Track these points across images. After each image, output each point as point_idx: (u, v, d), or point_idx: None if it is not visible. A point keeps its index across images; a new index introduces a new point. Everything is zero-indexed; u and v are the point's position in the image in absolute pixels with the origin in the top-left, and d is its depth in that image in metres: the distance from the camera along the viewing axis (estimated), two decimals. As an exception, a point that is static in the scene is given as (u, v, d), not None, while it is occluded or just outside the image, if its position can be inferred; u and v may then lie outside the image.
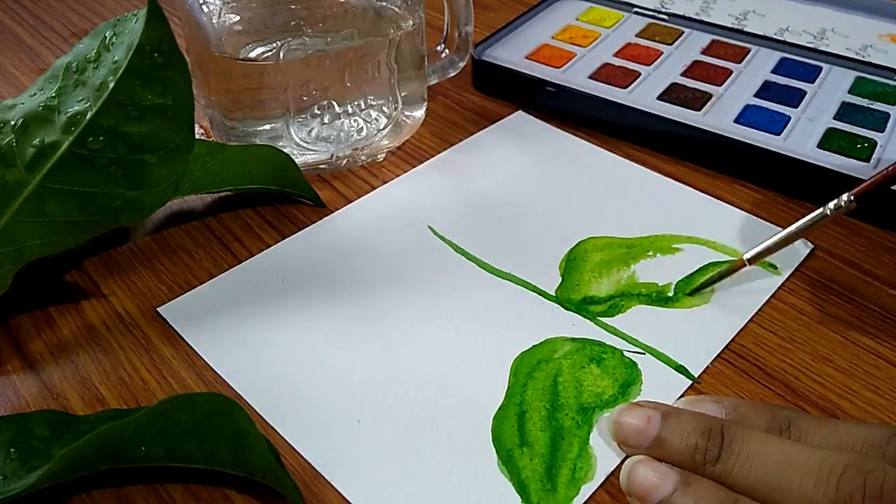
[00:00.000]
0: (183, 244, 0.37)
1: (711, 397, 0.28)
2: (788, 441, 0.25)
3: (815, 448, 0.24)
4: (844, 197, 0.28)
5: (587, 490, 0.26)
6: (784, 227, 0.34)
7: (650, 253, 0.36)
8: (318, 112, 0.39)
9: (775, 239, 0.31)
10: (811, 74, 0.46)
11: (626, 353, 0.31)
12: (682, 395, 0.30)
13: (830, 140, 0.40)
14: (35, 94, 0.31)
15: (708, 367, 0.31)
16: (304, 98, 0.38)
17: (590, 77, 0.46)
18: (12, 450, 0.26)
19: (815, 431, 0.25)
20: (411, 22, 0.40)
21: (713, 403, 0.27)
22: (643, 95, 0.44)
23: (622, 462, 0.27)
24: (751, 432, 0.25)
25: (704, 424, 0.26)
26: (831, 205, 0.29)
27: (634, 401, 0.29)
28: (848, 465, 0.23)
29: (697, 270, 0.33)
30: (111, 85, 0.30)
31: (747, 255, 0.31)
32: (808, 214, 0.31)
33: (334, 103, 0.39)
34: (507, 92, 0.47)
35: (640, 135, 0.43)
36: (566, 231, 0.37)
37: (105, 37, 0.31)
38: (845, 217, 0.38)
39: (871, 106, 0.43)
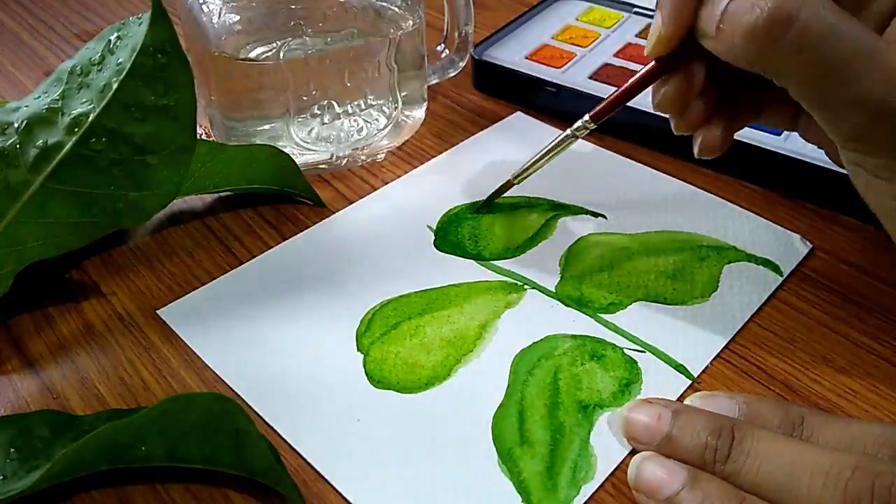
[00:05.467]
0: (183, 244, 0.37)
1: (725, 393, 0.28)
2: (799, 441, 0.25)
3: (825, 449, 0.24)
4: (585, 117, 0.34)
5: (588, 490, 0.26)
6: (783, 227, 0.34)
7: (650, 250, 0.36)
8: (318, 112, 0.39)
9: (533, 159, 0.36)
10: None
11: (626, 351, 0.31)
12: (681, 395, 0.30)
13: (830, 140, 0.40)
14: (39, 96, 0.32)
15: (708, 366, 0.31)
16: (304, 98, 0.38)
17: (590, 77, 0.46)
18: (12, 450, 0.26)
19: (826, 429, 0.25)
20: (411, 22, 0.40)
21: (726, 399, 0.27)
22: (643, 95, 0.44)
23: (623, 462, 0.27)
24: (761, 432, 0.25)
25: (715, 423, 0.26)
26: (578, 123, 0.34)
27: (644, 397, 0.29)
28: (857, 467, 0.23)
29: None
30: (115, 86, 0.30)
31: (511, 175, 0.37)
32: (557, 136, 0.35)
33: (334, 103, 0.39)
34: (506, 92, 0.47)
35: (640, 135, 0.43)
36: (566, 229, 0.37)
37: (110, 40, 0.31)
38: (845, 217, 0.38)
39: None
